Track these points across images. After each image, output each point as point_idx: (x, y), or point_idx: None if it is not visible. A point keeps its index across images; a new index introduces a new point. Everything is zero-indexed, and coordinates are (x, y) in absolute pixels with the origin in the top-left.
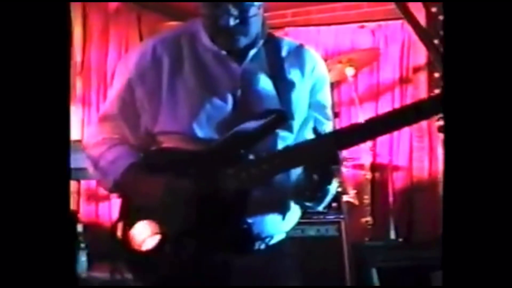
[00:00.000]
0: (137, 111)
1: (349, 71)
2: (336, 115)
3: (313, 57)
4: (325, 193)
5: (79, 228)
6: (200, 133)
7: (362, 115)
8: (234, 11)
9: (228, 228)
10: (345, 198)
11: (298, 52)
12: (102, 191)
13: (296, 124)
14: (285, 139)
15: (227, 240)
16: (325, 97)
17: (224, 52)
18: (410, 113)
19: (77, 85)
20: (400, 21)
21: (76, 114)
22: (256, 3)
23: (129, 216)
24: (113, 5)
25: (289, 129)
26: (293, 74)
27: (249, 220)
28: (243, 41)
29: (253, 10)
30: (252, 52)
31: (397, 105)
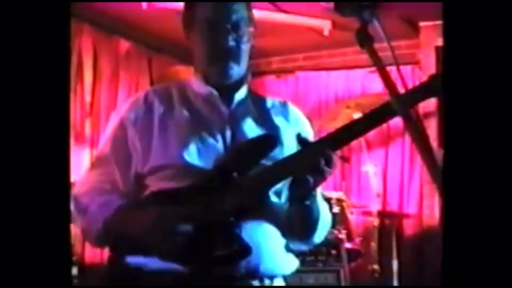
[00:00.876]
0: (129, 151)
1: (357, 116)
2: (345, 160)
3: (297, 111)
4: (315, 219)
5: (74, 271)
6: (191, 163)
7: (370, 161)
8: (233, 33)
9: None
10: (348, 245)
11: (282, 105)
12: None
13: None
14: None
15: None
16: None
17: (215, 93)
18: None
19: (86, 126)
20: (410, 66)
21: (84, 155)
22: (250, 29)
23: (121, 248)
24: (124, 48)
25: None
26: (278, 121)
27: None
28: (235, 71)
29: (247, 37)
30: (238, 95)
31: (407, 150)
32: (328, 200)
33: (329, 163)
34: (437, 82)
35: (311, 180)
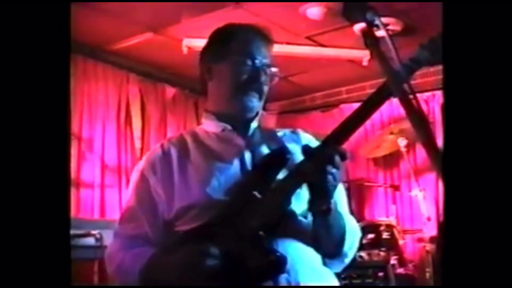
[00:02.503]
0: (153, 200)
1: (402, 142)
2: (396, 188)
3: (308, 136)
4: (342, 229)
5: None
6: (214, 197)
7: (418, 185)
8: (267, 69)
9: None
10: (401, 270)
11: (292, 133)
12: None
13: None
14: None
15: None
16: None
17: (229, 127)
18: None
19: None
20: None
21: None
22: (276, 69)
23: None
24: (170, 94)
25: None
26: (290, 146)
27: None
28: (256, 106)
29: (273, 75)
30: (253, 125)
31: None
32: (377, 226)
33: (342, 156)
34: (425, 52)
35: (329, 180)
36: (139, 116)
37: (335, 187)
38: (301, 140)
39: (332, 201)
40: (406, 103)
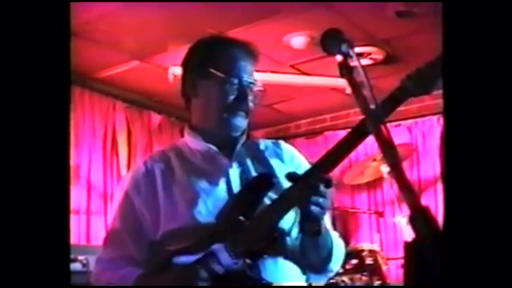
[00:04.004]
0: (138, 221)
1: (384, 169)
2: (380, 214)
3: (290, 148)
4: (329, 248)
5: None
6: (201, 221)
7: (401, 211)
8: (254, 88)
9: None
10: None
11: (274, 145)
12: None
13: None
14: None
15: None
16: None
17: (214, 148)
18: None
19: None
20: (436, 116)
21: None
22: (261, 88)
23: None
24: (156, 121)
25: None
26: (274, 162)
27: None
28: (243, 125)
29: (259, 95)
30: (238, 146)
31: (440, 200)
32: (360, 251)
33: (327, 184)
34: (401, 91)
35: (316, 209)
36: (125, 144)
37: (323, 213)
38: (284, 154)
39: (322, 222)
40: (377, 133)
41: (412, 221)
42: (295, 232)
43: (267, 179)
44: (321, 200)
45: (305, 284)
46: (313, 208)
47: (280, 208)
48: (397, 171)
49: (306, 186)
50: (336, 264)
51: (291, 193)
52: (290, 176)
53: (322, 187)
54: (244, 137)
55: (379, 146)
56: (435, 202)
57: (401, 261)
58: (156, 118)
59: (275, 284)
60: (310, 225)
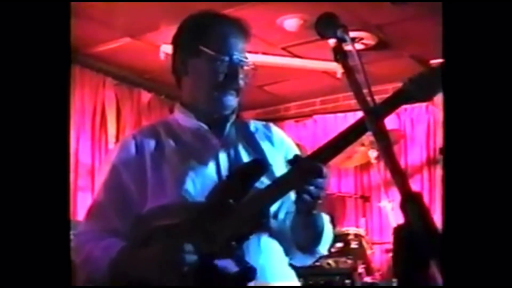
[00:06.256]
0: (125, 194)
1: (372, 154)
2: (366, 199)
3: (279, 132)
4: (320, 229)
5: None
6: (189, 199)
7: (387, 196)
8: (245, 66)
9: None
10: (368, 279)
11: (265, 128)
12: None
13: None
14: None
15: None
16: None
17: (204, 127)
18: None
19: None
20: (424, 104)
21: None
22: (253, 67)
23: None
24: (145, 100)
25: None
26: (264, 145)
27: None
28: (233, 103)
29: (250, 73)
30: (228, 125)
31: (426, 187)
32: (345, 235)
33: (320, 174)
34: (402, 94)
35: (308, 197)
36: (114, 121)
37: (320, 194)
38: (273, 137)
39: (318, 202)
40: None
41: (403, 206)
42: (282, 214)
43: (262, 165)
44: (312, 188)
45: (289, 269)
46: (311, 188)
47: (273, 194)
48: (389, 157)
49: (299, 175)
50: (324, 247)
51: (286, 179)
52: (289, 160)
53: (315, 179)
54: (234, 116)
55: (373, 133)
56: (421, 188)
57: (386, 246)
58: (145, 96)
59: (271, 284)
60: (305, 204)
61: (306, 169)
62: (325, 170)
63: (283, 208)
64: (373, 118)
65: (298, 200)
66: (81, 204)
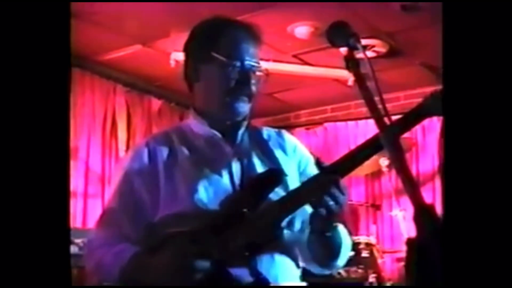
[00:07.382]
0: (137, 201)
1: (384, 162)
2: (377, 207)
3: (292, 139)
4: (337, 247)
5: None
6: (201, 207)
7: (398, 205)
8: (257, 72)
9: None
10: None
11: (277, 135)
12: None
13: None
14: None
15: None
16: (314, 171)
17: (218, 135)
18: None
19: None
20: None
21: None
22: (264, 73)
23: None
24: (156, 107)
25: (286, 188)
26: (277, 153)
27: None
28: (245, 110)
29: (261, 79)
30: (241, 132)
31: (438, 196)
32: (356, 244)
33: (339, 188)
34: (423, 109)
35: (325, 212)
36: (124, 127)
37: (338, 210)
38: (286, 145)
39: (334, 220)
40: (380, 123)
41: (417, 218)
42: (298, 223)
43: (278, 175)
44: (338, 196)
45: (300, 282)
46: (331, 203)
47: (289, 206)
48: (402, 167)
49: (318, 188)
50: (342, 260)
51: (302, 193)
52: (320, 166)
53: (336, 191)
54: (246, 123)
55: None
56: (433, 197)
57: (397, 255)
58: (156, 103)
59: (272, 284)
60: (321, 222)
61: (325, 180)
62: (343, 184)
63: (299, 216)
64: (391, 136)
65: (314, 217)
66: (91, 211)
